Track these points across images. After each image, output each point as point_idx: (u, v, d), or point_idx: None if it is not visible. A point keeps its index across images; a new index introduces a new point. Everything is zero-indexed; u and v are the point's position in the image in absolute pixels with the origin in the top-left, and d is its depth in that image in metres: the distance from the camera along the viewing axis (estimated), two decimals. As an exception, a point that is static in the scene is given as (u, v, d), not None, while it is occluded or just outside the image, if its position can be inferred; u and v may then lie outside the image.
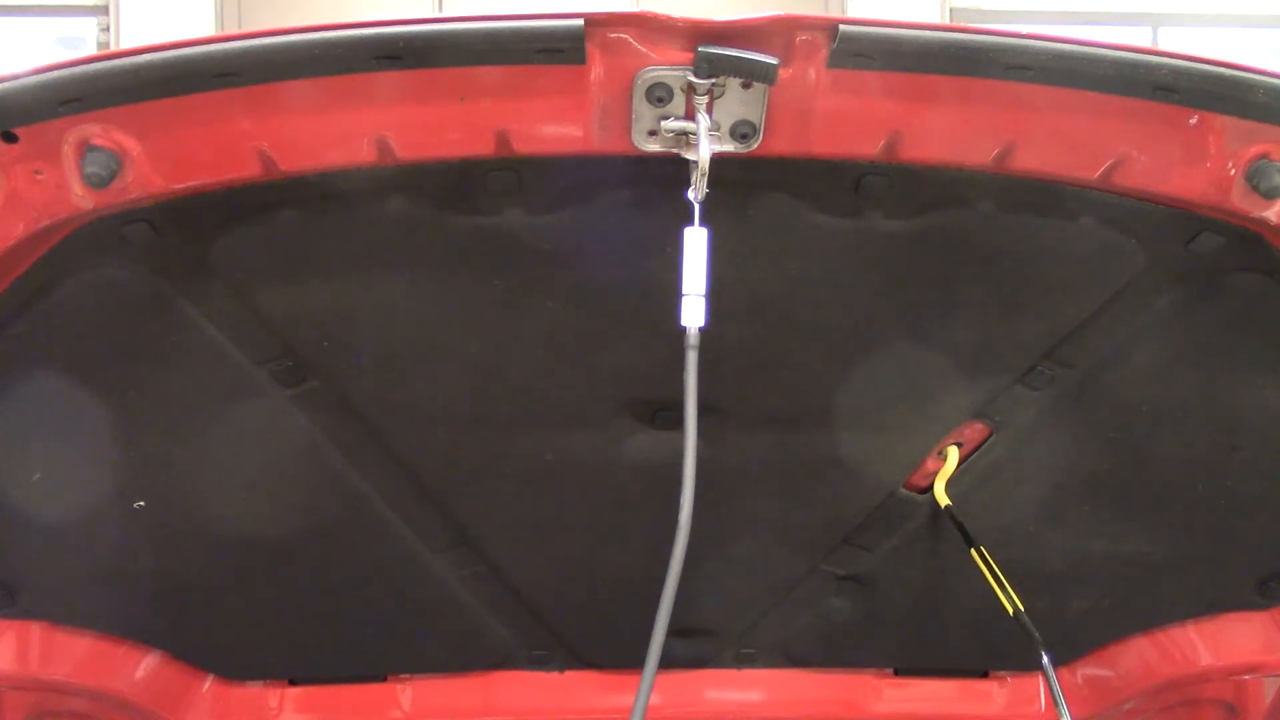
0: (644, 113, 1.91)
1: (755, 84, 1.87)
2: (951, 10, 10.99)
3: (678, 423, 2.02)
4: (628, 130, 1.93)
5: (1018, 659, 2.89)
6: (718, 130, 1.92)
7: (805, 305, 2.29)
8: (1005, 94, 1.93)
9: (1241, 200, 2.03)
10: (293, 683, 2.93)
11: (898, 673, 3.00)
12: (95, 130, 1.90)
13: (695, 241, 1.98)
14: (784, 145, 1.97)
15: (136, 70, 1.83)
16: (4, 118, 1.87)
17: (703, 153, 1.89)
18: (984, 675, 3.01)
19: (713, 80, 1.85)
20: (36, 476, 2.39)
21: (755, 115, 1.91)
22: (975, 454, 2.55)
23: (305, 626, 2.78)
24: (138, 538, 2.51)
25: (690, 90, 1.87)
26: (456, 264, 2.19)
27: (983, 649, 2.92)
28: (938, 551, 2.69)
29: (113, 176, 1.92)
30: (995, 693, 3.01)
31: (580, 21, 1.81)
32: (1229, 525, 2.62)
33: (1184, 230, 2.15)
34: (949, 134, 1.99)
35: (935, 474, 2.59)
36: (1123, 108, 1.94)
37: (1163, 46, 8.52)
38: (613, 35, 1.85)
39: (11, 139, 1.90)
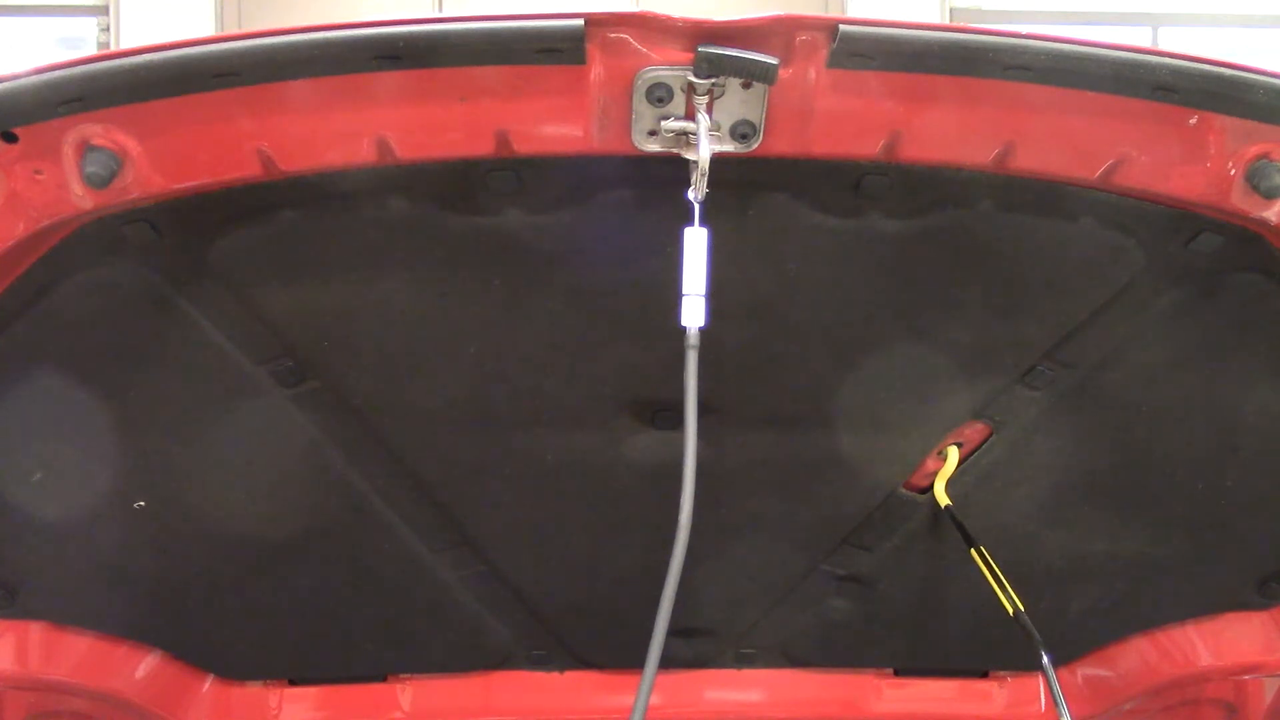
0: (644, 113, 1.91)
1: (755, 84, 1.87)
2: (951, 10, 10.98)
3: (678, 423, 2.02)
4: (628, 130, 1.93)
5: (1018, 659, 2.89)
6: (718, 130, 1.92)
7: (805, 305, 2.29)
8: (1005, 94, 1.93)
9: (1241, 200, 2.03)
10: (293, 683, 2.92)
11: (898, 673, 3.00)
12: (95, 130, 1.90)
13: (695, 241, 1.98)
14: (784, 145, 1.97)
15: (136, 70, 1.83)
16: (4, 118, 1.87)
17: (703, 153, 1.89)
18: (984, 675, 3.01)
19: (713, 80, 1.85)
20: (36, 476, 2.39)
21: (755, 115, 1.91)
22: (975, 454, 2.55)
23: (305, 626, 2.78)
24: (138, 538, 2.51)
25: (690, 90, 1.87)
26: (456, 264, 2.18)
27: (983, 649, 2.92)
28: (938, 551, 2.69)
29: (113, 176, 1.92)
30: (995, 693, 3.01)
31: (580, 21, 1.81)
32: (1229, 525, 2.62)
33: (1184, 230, 2.15)
34: (949, 134, 1.99)
35: (935, 474, 2.59)
36: (1123, 108, 1.94)
37: (1163, 46, 8.53)
38: (613, 35, 1.85)
39: (11, 139, 1.90)
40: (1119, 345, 2.35)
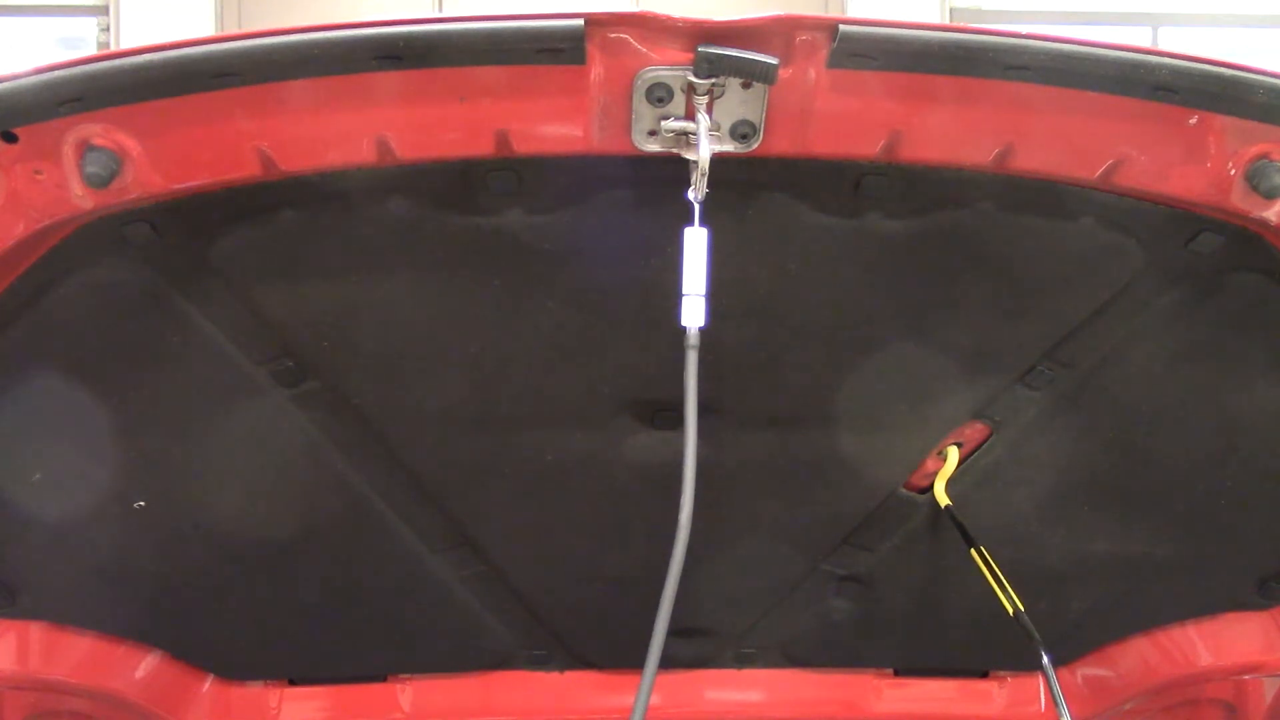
0: (644, 113, 1.91)
1: (755, 84, 1.87)
2: (951, 10, 10.98)
3: (678, 423, 2.02)
4: (628, 130, 1.93)
5: (1018, 659, 2.89)
6: (718, 130, 1.92)
7: (805, 305, 2.29)
8: (1005, 94, 1.93)
9: (1241, 200, 2.03)
10: (293, 683, 2.93)
11: (898, 673, 3.00)
12: (95, 130, 1.90)
13: (695, 241, 1.98)
14: (784, 145, 1.97)
15: (136, 70, 1.83)
16: (4, 118, 1.87)
17: (703, 153, 1.89)
18: (984, 675, 3.01)
19: (713, 80, 1.85)
20: (36, 476, 2.39)
21: (755, 115, 1.91)
22: (975, 454, 2.55)
23: (305, 626, 2.78)
24: (138, 538, 2.51)
25: (690, 90, 1.87)
26: (457, 264, 2.19)
27: (983, 649, 2.92)
28: (938, 551, 2.69)
29: (113, 176, 1.92)
30: (995, 693, 3.02)
31: (580, 21, 1.81)
32: (1229, 525, 2.62)
33: (1184, 230, 2.15)
34: (949, 134, 1.99)
35: (935, 474, 2.59)
36: (1122, 108, 1.94)
37: (1163, 46, 8.53)
38: (613, 35, 1.85)
39: (11, 139, 1.90)
40: (1119, 345, 2.35)
